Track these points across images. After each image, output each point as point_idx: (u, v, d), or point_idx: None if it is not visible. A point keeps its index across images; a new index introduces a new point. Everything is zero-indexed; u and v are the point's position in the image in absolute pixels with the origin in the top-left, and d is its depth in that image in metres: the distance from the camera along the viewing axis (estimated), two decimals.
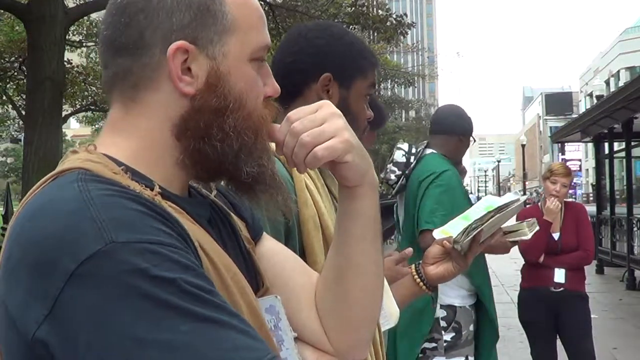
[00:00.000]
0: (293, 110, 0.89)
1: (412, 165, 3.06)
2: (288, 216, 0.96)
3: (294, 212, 1.27)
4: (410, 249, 1.92)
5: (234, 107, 0.83)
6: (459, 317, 2.87)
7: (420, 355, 2.86)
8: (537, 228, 2.08)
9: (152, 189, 0.78)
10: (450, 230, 1.79)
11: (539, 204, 4.29)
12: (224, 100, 0.82)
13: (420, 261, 1.74)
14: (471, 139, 3.19)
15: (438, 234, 1.82)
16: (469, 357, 2.87)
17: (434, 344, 2.85)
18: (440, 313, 2.86)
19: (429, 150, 3.12)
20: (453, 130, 3.11)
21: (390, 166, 3.13)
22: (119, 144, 0.83)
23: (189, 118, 0.82)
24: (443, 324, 2.86)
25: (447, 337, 2.85)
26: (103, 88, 0.90)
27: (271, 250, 1.03)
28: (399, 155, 3.12)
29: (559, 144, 38.99)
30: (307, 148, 0.85)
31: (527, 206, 4.66)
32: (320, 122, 0.86)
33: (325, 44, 1.49)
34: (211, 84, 0.82)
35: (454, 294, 2.87)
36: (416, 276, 1.70)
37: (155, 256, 0.67)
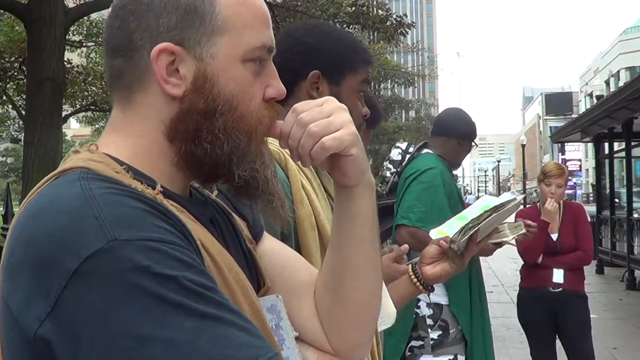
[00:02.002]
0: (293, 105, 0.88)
1: (404, 164, 3.08)
2: (283, 224, 0.96)
3: (291, 222, 1.27)
4: (405, 246, 1.91)
5: (224, 109, 0.82)
6: (446, 315, 2.85)
7: (408, 353, 2.85)
8: (523, 231, 2.07)
9: (153, 188, 0.79)
10: (447, 230, 1.80)
11: (538, 203, 4.30)
12: (212, 102, 0.81)
13: (417, 260, 1.74)
14: (472, 143, 3.19)
15: (435, 233, 1.83)
16: (459, 356, 2.84)
17: (420, 342, 2.84)
18: (426, 311, 2.85)
19: (425, 150, 3.13)
20: (453, 133, 3.11)
21: (386, 164, 3.16)
22: (118, 143, 0.83)
23: (178, 120, 0.82)
24: (429, 322, 2.84)
25: (434, 335, 2.84)
26: (106, 88, 0.92)
27: (272, 249, 1.03)
28: (395, 154, 3.14)
29: (559, 144, 38.91)
30: (314, 138, 0.84)
31: (527, 206, 4.67)
32: (327, 114, 0.86)
33: (313, 42, 1.49)
34: (198, 86, 0.81)
35: (441, 292, 2.84)
36: (413, 276, 1.70)
37: (157, 254, 0.67)
